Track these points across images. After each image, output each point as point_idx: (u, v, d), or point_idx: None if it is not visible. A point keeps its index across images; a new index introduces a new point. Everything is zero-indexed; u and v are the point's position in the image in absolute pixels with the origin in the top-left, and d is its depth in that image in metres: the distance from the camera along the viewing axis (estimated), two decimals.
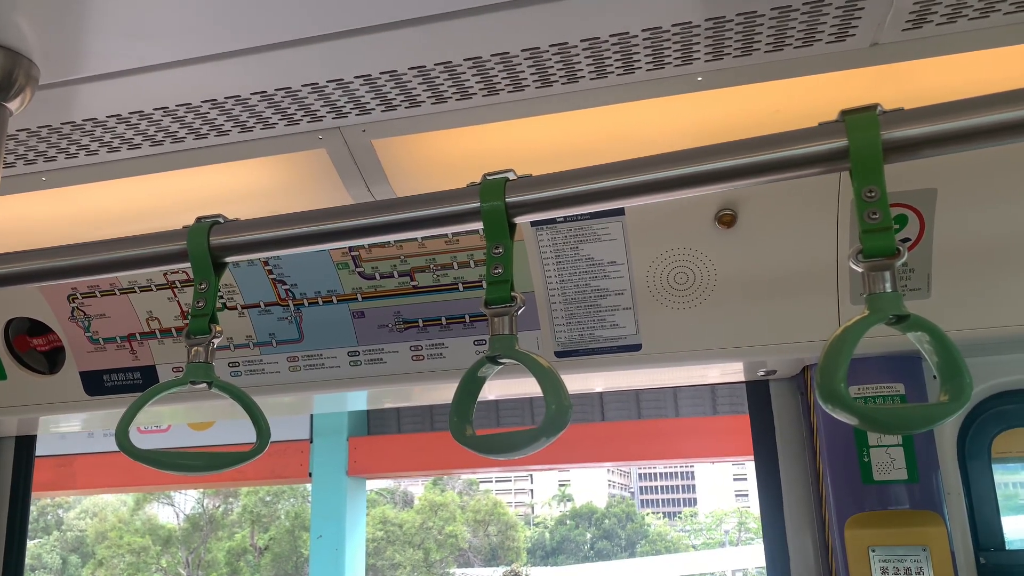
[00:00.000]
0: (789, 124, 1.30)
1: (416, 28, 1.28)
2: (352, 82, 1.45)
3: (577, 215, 1.94)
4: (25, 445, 2.77)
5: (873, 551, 1.91)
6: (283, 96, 1.49)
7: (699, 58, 1.42)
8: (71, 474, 10.52)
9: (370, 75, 1.43)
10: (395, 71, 1.42)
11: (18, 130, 1.58)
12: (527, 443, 1.09)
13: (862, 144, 1.02)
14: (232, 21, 1.24)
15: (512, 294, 1.16)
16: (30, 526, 2.82)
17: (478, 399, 1.22)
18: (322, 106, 1.54)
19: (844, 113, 1.06)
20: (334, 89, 1.47)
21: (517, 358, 1.14)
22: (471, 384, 1.18)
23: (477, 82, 1.46)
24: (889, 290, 1.00)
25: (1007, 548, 2.01)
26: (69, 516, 33.41)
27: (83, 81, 1.40)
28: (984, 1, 1.27)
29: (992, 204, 1.82)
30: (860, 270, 1.02)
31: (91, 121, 1.56)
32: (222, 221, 1.35)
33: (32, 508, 2.84)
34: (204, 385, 1.30)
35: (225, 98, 1.49)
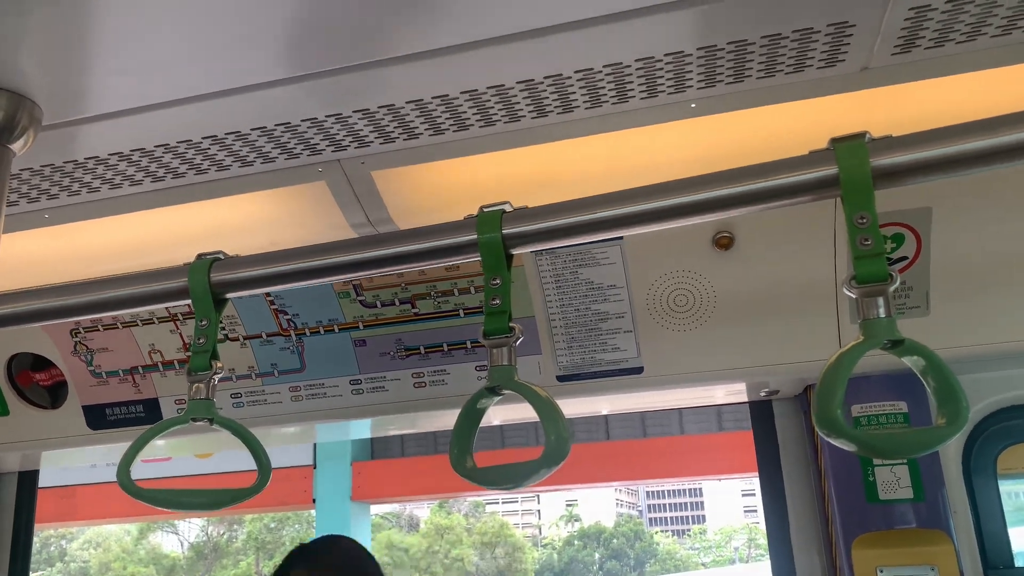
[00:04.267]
0: (782, 148, 1.31)
1: (412, 64, 1.29)
2: (351, 116, 1.47)
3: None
4: (28, 480, 2.77)
5: (881, 571, 1.90)
6: (283, 131, 1.51)
7: (692, 85, 1.44)
8: (74, 505, 10.48)
9: (368, 109, 1.45)
10: (393, 105, 1.43)
11: (21, 170, 1.60)
12: (528, 475, 1.09)
13: (852, 172, 1.03)
14: (231, 59, 1.26)
15: (510, 325, 1.17)
16: (33, 558, 2.81)
17: (481, 424, 1.23)
18: (321, 140, 1.56)
19: (833, 141, 1.07)
20: (333, 123, 1.49)
21: (516, 389, 1.14)
22: (471, 415, 1.19)
23: (474, 114, 1.48)
24: (883, 315, 1.00)
25: (1016, 565, 1.99)
26: (72, 547, 33.20)
27: (86, 121, 1.42)
28: (971, 25, 1.29)
29: (988, 220, 1.83)
30: (854, 296, 1.03)
31: (93, 159, 1.57)
32: (223, 257, 1.36)
33: (35, 539, 2.84)
34: (205, 421, 1.31)
35: (225, 134, 1.51)
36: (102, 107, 1.39)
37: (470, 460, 1.17)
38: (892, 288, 1.00)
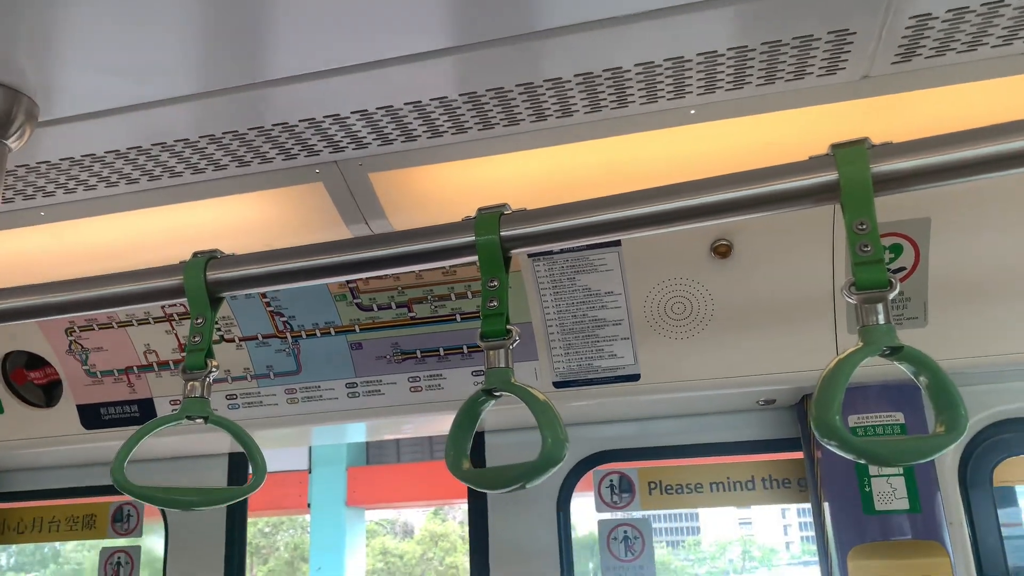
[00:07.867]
0: (782, 155, 1.31)
1: (412, 65, 1.29)
2: (349, 117, 1.46)
3: (573, 246, 1.95)
4: (238, 462, 2.68)
5: None
6: (280, 131, 1.50)
7: (691, 91, 1.44)
8: None
9: (367, 110, 1.44)
10: (391, 106, 1.43)
11: (17, 166, 1.59)
12: (525, 477, 1.08)
13: (852, 178, 1.03)
14: (229, 58, 1.26)
15: (508, 327, 1.16)
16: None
17: (476, 430, 1.22)
18: (319, 141, 1.55)
19: (834, 147, 1.07)
20: (331, 124, 1.49)
21: (513, 391, 1.14)
22: (467, 418, 1.18)
23: (472, 116, 1.48)
24: (882, 322, 1.00)
25: None
26: (66, 548, 33.02)
27: (83, 118, 1.41)
28: (972, 35, 1.29)
29: (986, 232, 1.83)
30: (853, 302, 1.02)
31: (90, 156, 1.57)
32: (219, 256, 1.35)
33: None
34: (200, 420, 1.29)
35: (223, 133, 1.50)
36: (99, 104, 1.38)
37: (467, 462, 1.15)
38: (892, 295, 1.00)
